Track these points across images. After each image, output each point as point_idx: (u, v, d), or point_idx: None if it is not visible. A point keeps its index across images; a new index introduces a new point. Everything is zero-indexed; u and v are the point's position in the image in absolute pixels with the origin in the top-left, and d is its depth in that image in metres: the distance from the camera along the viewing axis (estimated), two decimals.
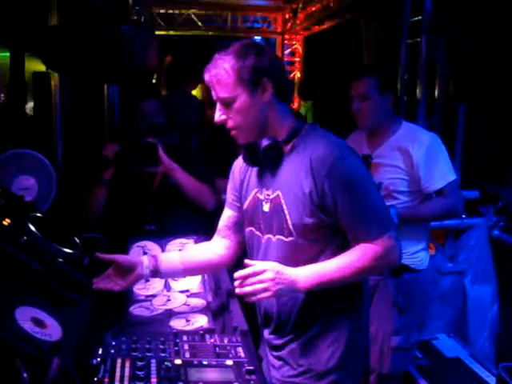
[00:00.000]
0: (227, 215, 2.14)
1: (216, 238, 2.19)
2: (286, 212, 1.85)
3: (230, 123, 1.88)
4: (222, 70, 1.82)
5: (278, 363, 2.04)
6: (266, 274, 1.75)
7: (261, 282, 1.75)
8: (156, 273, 2.07)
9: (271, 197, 1.91)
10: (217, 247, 2.16)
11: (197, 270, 2.22)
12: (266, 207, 1.93)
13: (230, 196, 2.13)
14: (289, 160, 1.88)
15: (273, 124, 1.89)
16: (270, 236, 1.93)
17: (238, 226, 2.11)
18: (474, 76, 3.31)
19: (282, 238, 1.89)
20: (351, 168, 1.80)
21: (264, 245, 1.96)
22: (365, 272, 1.84)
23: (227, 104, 1.85)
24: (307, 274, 1.80)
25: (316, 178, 1.78)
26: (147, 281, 2.31)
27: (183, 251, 2.36)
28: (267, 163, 1.91)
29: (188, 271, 2.16)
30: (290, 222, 1.85)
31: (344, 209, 1.78)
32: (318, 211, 1.81)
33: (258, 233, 1.99)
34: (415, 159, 2.72)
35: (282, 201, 1.87)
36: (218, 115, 1.89)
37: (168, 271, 2.09)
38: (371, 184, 1.86)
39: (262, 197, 1.95)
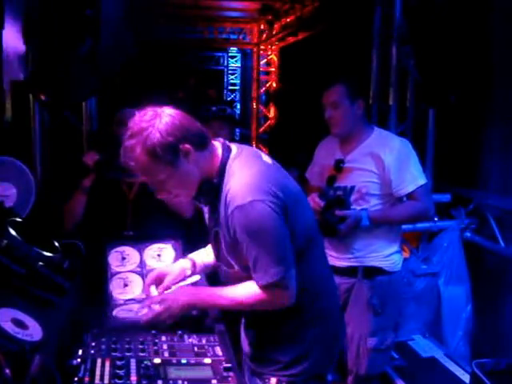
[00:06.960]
0: None
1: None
2: (223, 246, 1.94)
3: (173, 196, 1.92)
4: (137, 160, 1.79)
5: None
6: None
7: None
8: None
9: (216, 230, 1.97)
10: None
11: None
12: (219, 241, 1.98)
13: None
14: (221, 197, 1.89)
15: (204, 171, 1.90)
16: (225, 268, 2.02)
17: None
18: (444, 82, 3.40)
19: (227, 269, 2.00)
20: (250, 216, 1.79)
21: (223, 272, 2.05)
22: (246, 307, 1.95)
23: (159, 183, 1.86)
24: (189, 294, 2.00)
25: (229, 225, 1.85)
26: (125, 285, 2.38)
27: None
28: (208, 204, 2.00)
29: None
30: (226, 255, 1.95)
31: (246, 253, 1.84)
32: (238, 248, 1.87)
33: (219, 263, 2.07)
34: (386, 163, 2.79)
35: (221, 238, 1.94)
36: (158, 194, 1.91)
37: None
38: (270, 230, 1.82)
39: (217, 231, 1.99)
